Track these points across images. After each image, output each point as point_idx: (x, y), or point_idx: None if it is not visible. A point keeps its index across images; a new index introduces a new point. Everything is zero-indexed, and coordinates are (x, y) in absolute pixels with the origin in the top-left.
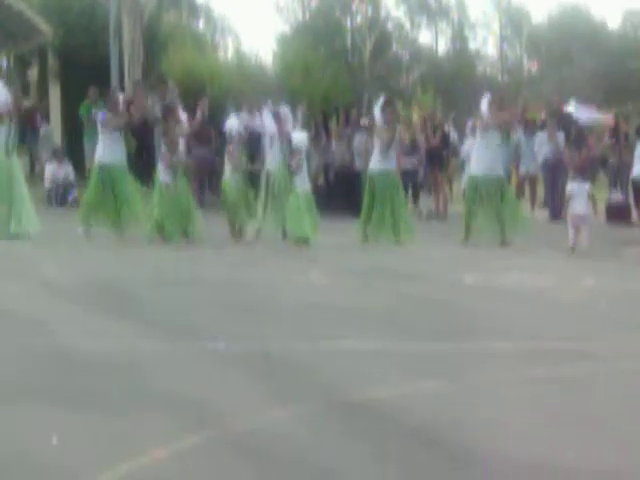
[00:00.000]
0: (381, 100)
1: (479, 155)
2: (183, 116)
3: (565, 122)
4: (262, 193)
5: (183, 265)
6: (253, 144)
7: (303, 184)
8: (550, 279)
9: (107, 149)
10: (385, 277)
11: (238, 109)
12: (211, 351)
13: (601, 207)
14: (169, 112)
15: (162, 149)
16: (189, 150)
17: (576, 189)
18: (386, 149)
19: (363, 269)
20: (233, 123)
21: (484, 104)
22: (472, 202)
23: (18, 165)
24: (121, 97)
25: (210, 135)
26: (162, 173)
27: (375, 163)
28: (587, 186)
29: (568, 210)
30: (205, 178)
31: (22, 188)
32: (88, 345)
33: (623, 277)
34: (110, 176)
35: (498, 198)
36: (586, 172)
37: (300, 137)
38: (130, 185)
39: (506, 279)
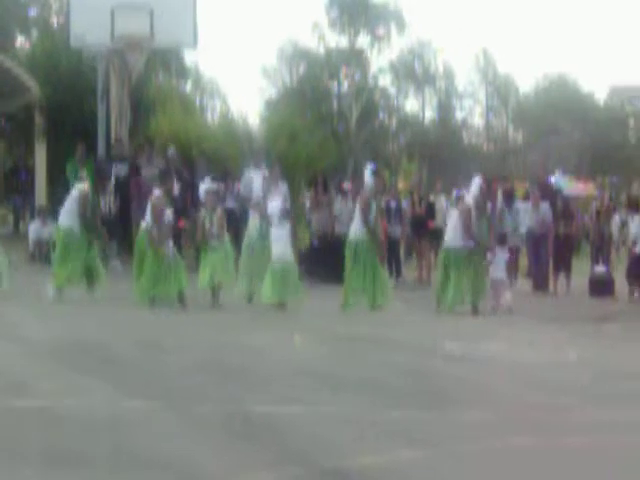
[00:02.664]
0: (371, 167)
1: (455, 227)
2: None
3: (549, 193)
4: (243, 257)
5: (164, 327)
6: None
7: (284, 252)
8: (530, 350)
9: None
10: (367, 344)
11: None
12: (193, 413)
13: (584, 280)
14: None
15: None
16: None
17: (495, 256)
18: (366, 216)
19: (345, 335)
20: (203, 189)
21: (474, 187)
22: (444, 272)
23: None
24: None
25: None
26: (154, 244)
27: (355, 229)
28: (506, 254)
29: (490, 273)
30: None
31: None
32: (71, 405)
33: (601, 351)
34: (74, 238)
35: (470, 268)
36: (505, 241)
37: (275, 205)
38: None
39: (487, 348)
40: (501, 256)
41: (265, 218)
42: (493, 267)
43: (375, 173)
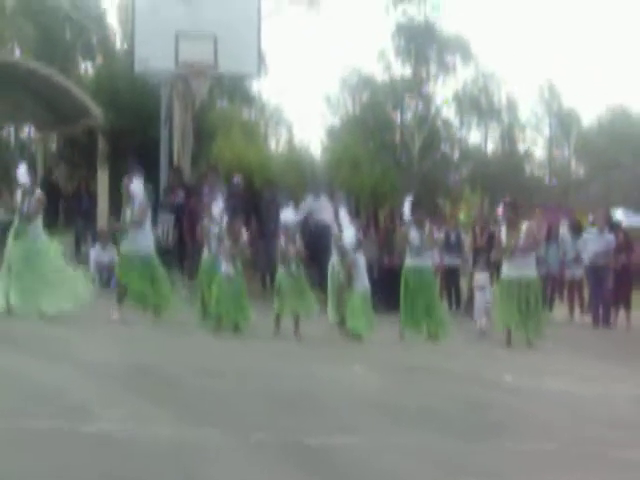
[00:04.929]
0: (409, 200)
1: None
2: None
3: (612, 227)
4: (329, 285)
5: (229, 355)
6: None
7: (362, 281)
8: (589, 385)
9: (133, 236)
10: (425, 374)
11: (291, 200)
12: (252, 441)
13: None
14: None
15: (225, 241)
16: (254, 243)
17: (485, 279)
18: (417, 248)
19: (404, 365)
20: (288, 215)
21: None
22: (502, 303)
23: (46, 242)
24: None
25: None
26: (223, 264)
27: (409, 260)
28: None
29: (477, 298)
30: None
31: (51, 266)
32: (131, 431)
33: None
34: (138, 262)
35: (527, 299)
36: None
37: (349, 234)
38: (158, 270)
39: (545, 383)
40: (488, 279)
41: (342, 249)
42: (484, 290)
43: (415, 206)
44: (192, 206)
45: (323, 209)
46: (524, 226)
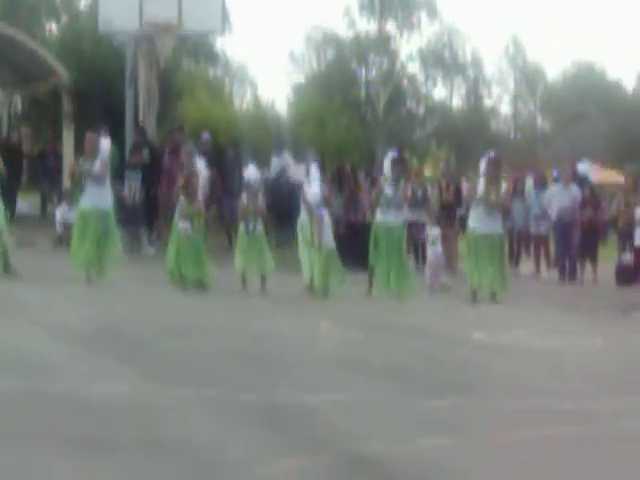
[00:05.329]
0: (392, 155)
1: (477, 211)
2: (201, 165)
3: (576, 180)
4: (300, 243)
5: (193, 313)
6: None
7: (327, 238)
8: (557, 339)
9: (91, 194)
10: (392, 331)
11: (254, 158)
12: (220, 400)
13: (611, 268)
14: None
15: (180, 199)
16: (220, 200)
17: (436, 233)
18: (390, 204)
19: (371, 322)
20: (251, 173)
21: (482, 166)
22: (470, 258)
23: None
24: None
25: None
26: (180, 222)
27: (381, 216)
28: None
29: (429, 253)
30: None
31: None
32: (96, 389)
33: (629, 339)
34: (87, 220)
35: (493, 255)
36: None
37: (314, 190)
38: (112, 230)
39: (514, 337)
40: (435, 233)
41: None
42: (435, 245)
43: (395, 160)
44: (168, 165)
45: (289, 167)
46: (504, 184)
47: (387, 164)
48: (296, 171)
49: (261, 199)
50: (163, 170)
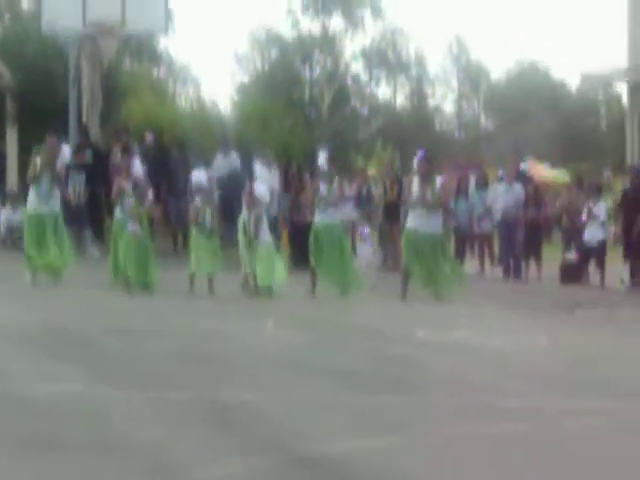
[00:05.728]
0: (324, 154)
1: (414, 212)
2: (137, 165)
3: (521, 179)
4: (241, 241)
5: (138, 314)
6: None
7: (265, 236)
8: (502, 337)
9: (41, 198)
10: (337, 331)
11: (203, 161)
12: (165, 400)
13: (555, 267)
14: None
15: (129, 202)
16: (165, 202)
17: (366, 232)
18: (325, 204)
19: (316, 322)
20: (200, 176)
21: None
22: (408, 257)
23: None
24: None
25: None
26: (130, 222)
27: (318, 216)
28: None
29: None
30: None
31: None
32: (42, 389)
33: (573, 337)
34: (42, 223)
35: (434, 254)
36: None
37: (263, 190)
38: (62, 231)
39: (457, 335)
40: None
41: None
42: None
43: (327, 159)
44: (111, 166)
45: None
46: (438, 180)
47: (322, 162)
48: (266, 175)
49: (215, 201)
50: (111, 171)
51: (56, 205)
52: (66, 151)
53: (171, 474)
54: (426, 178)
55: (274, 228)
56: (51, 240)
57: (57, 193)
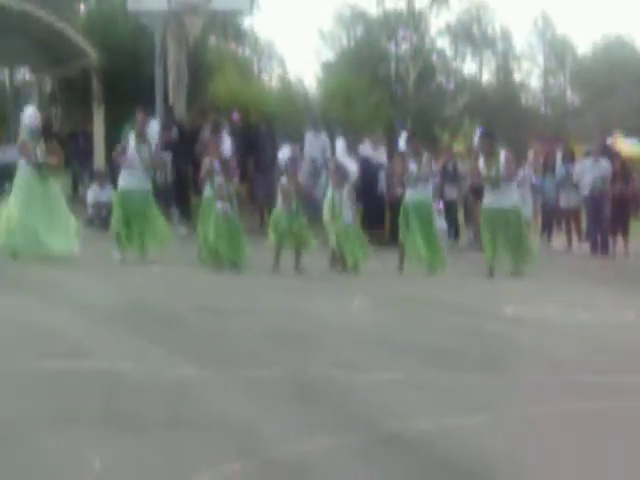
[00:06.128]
0: (404, 132)
1: (486, 189)
2: (227, 143)
3: (607, 154)
4: (327, 218)
5: (226, 292)
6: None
7: (349, 216)
8: (588, 313)
9: (130, 175)
10: (424, 307)
11: (289, 138)
12: (251, 378)
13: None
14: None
15: (218, 179)
16: (253, 179)
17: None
18: (415, 180)
19: (403, 299)
20: (286, 153)
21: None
22: (484, 234)
23: (55, 185)
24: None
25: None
26: (218, 202)
27: (408, 192)
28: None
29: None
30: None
31: (60, 208)
32: (130, 369)
33: None
34: (132, 201)
35: (510, 228)
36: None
37: (352, 167)
38: (153, 209)
39: (545, 311)
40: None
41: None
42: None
43: (410, 137)
44: (198, 144)
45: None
46: (502, 156)
47: (401, 140)
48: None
49: (300, 179)
50: (199, 149)
51: (147, 183)
52: (154, 125)
53: (259, 452)
54: (488, 156)
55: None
56: (141, 218)
57: (144, 172)
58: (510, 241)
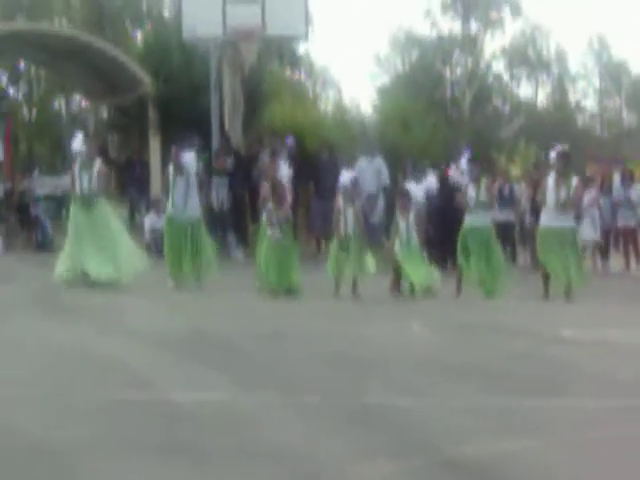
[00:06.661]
0: (467, 154)
1: (547, 208)
2: (284, 169)
3: None
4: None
5: (284, 318)
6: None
7: (414, 239)
8: None
9: (180, 204)
10: (482, 331)
11: (347, 163)
12: (311, 404)
13: None
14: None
15: (268, 206)
16: (311, 204)
17: None
18: (474, 206)
19: (461, 323)
20: (345, 176)
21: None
22: (543, 256)
23: (108, 210)
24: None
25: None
26: (269, 229)
27: (467, 218)
28: None
29: None
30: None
31: (111, 236)
32: (189, 397)
33: None
34: (179, 228)
35: (567, 249)
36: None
37: (417, 191)
38: (203, 235)
39: (604, 334)
40: None
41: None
42: None
43: (471, 160)
44: (256, 170)
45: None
46: (574, 180)
47: (464, 165)
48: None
49: (357, 204)
50: (256, 175)
51: (194, 212)
52: (188, 157)
53: (319, 478)
54: (562, 174)
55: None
56: (188, 245)
57: (194, 199)
58: (570, 261)
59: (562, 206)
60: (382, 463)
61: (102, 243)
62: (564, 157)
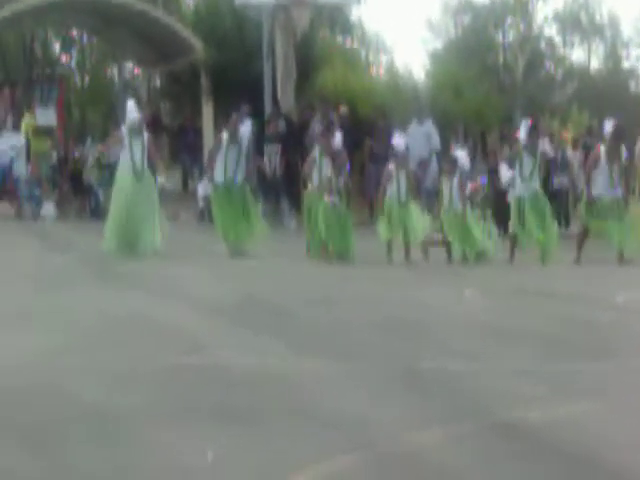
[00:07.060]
0: (528, 123)
1: (597, 176)
2: (337, 136)
3: None
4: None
5: (337, 284)
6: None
7: (459, 204)
8: None
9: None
10: (536, 297)
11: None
12: (364, 369)
13: None
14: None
15: (326, 173)
16: (365, 170)
17: None
18: (529, 173)
19: (515, 288)
20: (398, 141)
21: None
22: (589, 221)
23: (151, 183)
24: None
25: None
26: (326, 195)
27: (521, 185)
28: None
29: None
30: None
31: (152, 207)
32: (243, 362)
33: None
34: (226, 195)
35: (615, 216)
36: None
37: (462, 156)
38: (247, 203)
39: None
40: None
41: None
42: None
43: (532, 130)
44: (308, 137)
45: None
46: (624, 152)
47: (523, 132)
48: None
49: (409, 168)
50: (308, 142)
51: (244, 180)
52: (247, 126)
53: (372, 444)
54: (613, 151)
55: None
56: (238, 212)
57: (243, 166)
58: (622, 227)
59: (614, 177)
60: (435, 429)
61: (147, 214)
62: (617, 131)
